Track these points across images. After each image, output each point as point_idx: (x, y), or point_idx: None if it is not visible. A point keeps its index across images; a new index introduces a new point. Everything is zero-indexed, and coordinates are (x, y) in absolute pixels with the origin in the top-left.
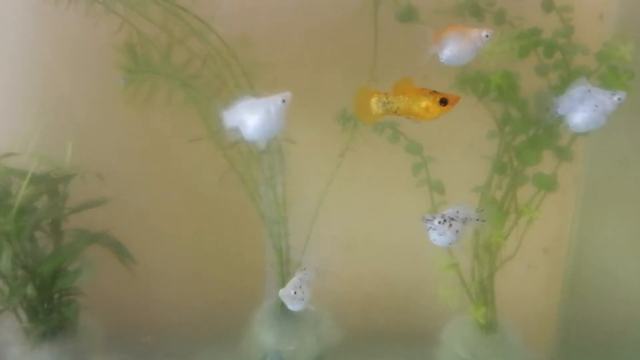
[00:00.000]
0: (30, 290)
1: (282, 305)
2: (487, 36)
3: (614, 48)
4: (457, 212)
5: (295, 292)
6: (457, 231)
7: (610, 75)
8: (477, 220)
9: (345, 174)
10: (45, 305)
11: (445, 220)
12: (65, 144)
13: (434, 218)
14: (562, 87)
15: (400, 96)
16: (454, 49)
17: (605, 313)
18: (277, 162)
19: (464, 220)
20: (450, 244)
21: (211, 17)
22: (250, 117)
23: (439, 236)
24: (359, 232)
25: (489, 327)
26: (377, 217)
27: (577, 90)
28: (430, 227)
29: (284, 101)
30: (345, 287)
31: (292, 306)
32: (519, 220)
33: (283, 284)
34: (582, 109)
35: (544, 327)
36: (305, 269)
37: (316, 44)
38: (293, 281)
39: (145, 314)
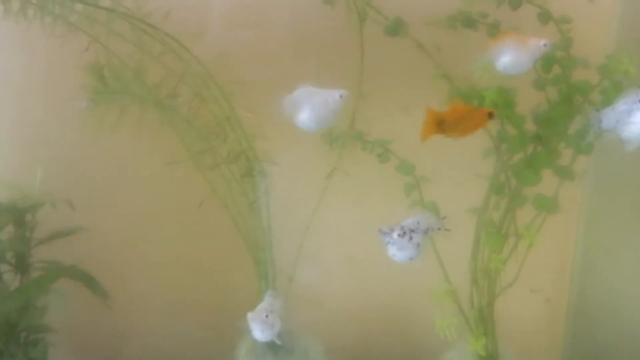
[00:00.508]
0: None
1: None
2: (545, 45)
3: (617, 61)
4: (418, 222)
5: (267, 316)
6: (418, 244)
7: (613, 90)
8: (440, 229)
9: (333, 197)
10: (10, 345)
11: (405, 233)
12: (34, 170)
13: (392, 231)
14: (562, 102)
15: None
16: (511, 57)
17: (615, 341)
18: (261, 185)
19: (426, 231)
20: (411, 259)
21: (185, 34)
22: (307, 105)
23: (398, 251)
24: (349, 258)
25: (491, 359)
26: (368, 242)
27: (624, 102)
28: (389, 242)
29: (341, 96)
30: (338, 314)
31: (262, 333)
32: (519, 243)
33: None
34: (633, 121)
35: (549, 357)
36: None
37: (301, 61)
38: (263, 305)
39: (124, 347)
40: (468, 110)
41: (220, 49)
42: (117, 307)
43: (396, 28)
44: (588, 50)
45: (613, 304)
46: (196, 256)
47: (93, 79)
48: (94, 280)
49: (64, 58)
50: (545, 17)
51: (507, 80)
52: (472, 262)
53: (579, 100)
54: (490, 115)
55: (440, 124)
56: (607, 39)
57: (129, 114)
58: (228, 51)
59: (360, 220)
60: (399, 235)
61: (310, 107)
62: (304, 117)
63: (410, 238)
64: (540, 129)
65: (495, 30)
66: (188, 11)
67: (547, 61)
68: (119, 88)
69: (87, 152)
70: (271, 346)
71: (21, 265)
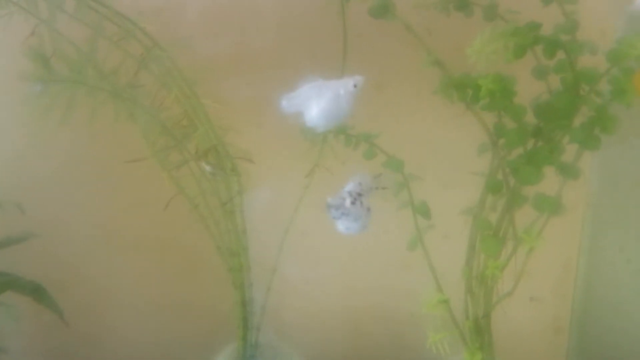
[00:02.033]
0: None
1: (246, 352)
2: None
3: (630, 45)
4: (360, 184)
5: (352, 203)
6: (368, 209)
7: (623, 79)
8: (377, 188)
9: (315, 196)
10: None
11: (355, 199)
12: None
13: (344, 200)
14: (566, 92)
15: None
16: None
17: (622, 356)
18: (234, 184)
19: (368, 192)
20: (365, 228)
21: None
22: (316, 101)
23: (354, 222)
24: (333, 266)
25: None
26: (356, 246)
27: None
28: (343, 213)
29: (355, 86)
30: (326, 321)
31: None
32: (518, 248)
33: (245, 327)
34: None
35: None
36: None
37: (277, 46)
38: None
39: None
40: None
41: (184, 32)
42: (74, 321)
43: (383, 9)
44: (595, 33)
45: (620, 316)
46: (162, 263)
47: (36, 65)
48: (45, 293)
49: (5, 43)
50: None
51: (504, 67)
52: (466, 269)
53: (585, 90)
54: None
55: None
56: (616, 20)
57: (82, 105)
58: (194, 34)
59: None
60: (352, 202)
61: (320, 102)
62: (314, 114)
63: (361, 203)
64: (542, 121)
65: (492, 13)
66: None
67: (550, 45)
68: (67, 76)
69: (36, 149)
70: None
71: None
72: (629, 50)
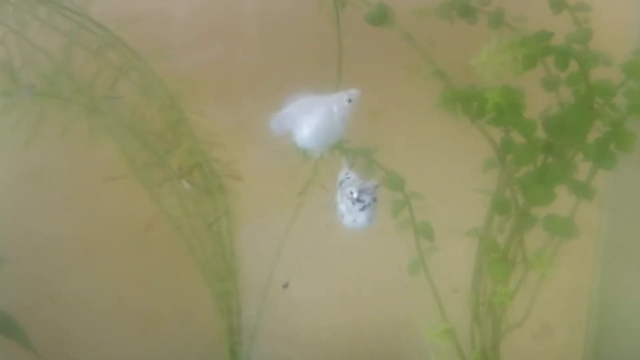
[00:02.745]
0: None
1: None
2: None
3: None
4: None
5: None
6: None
7: None
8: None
9: (309, 215)
10: None
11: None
12: None
13: (374, 187)
14: (578, 106)
15: None
16: None
17: None
18: (221, 203)
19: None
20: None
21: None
22: (307, 119)
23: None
24: (329, 293)
25: None
26: (353, 270)
27: None
28: (369, 204)
29: (350, 100)
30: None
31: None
32: (529, 273)
33: (233, 358)
34: None
35: None
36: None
37: (271, 54)
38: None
39: None
40: None
41: (168, 40)
42: (47, 349)
43: (381, 16)
44: (609, 43)
45: (638, 346)
46: (143, 292)
47: (2, 76)
48: (15, 326)
49: None
50: (558, 4)
51: (511, 78)
52: (473, 295)
53: (599, 104)
54: None
55: None
56: (632, 30)
57: (55, 119)
58: (179, 43)
59: (341, 241)
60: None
61: (311, 120)
62: (305, 134)
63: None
64: (552, 137)
65: (498, 20)
66: None
67: (562, 56)
68: (38, 88)
69: (5, 167)
70: None
71: None
72: None
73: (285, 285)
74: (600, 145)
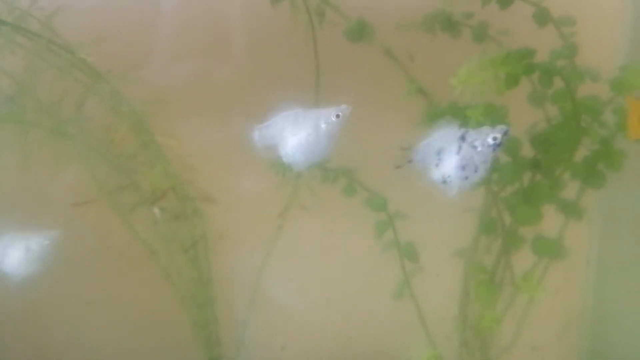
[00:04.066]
0: None
1: None
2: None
3: (634, 74)
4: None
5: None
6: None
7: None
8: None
9: (290, 237)
10: None
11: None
12: None
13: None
14: (565, 123)
15: None
16: None
17: None
18: (197, 227)
19: None
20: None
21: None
22: (293, 133)
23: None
24: (308, 320)
25: None
26: (339, 289)
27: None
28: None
29: (338, 116)
30: None
31: None
32: (517, 295)
33: None
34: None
35: None
36: None
37: (247, 72)
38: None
39: None
40: None
41: (140, 60)
42: None
43: (360, 32)
44: (597, 57)
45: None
46: (117, 322)
47: None
48: None
49: None
50: (542, 17)
51: (496, 96)
52: (459, 319)
53: (586, 121)
54: None
55: None
56: (619, 44)
57: (22, 142)
58: (152, 61)
59: (324, 263)
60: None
61: (296, 135)
62: (290, 148)
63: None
64: (540, 154)
65: (482, 34)
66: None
67: (546, 73)
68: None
69: None
70: None
71: None
72: (634, 79)
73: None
74: (588, 163)
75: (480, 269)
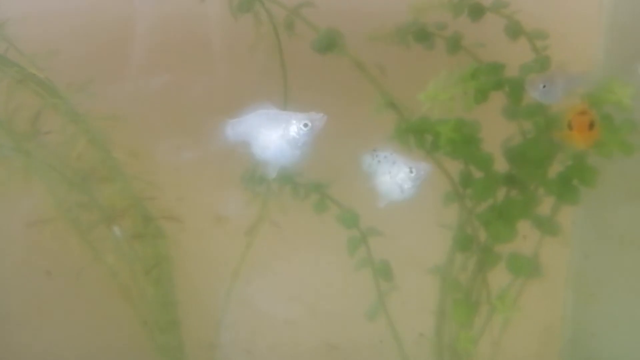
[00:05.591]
0: None
1: None
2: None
3: (607, 90)
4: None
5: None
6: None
7: (603, 125)
8: None
9: (260, 255)
10: None
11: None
12: None
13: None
14: (538, 137)
15: None
16: None
17: None
18: (161, 247)
19: None
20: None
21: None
22: (266, 132)
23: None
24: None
25: None
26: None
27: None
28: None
29: (306, 125)
30: None
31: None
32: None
33: None
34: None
35: None
36: None
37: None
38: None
39: None
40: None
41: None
42: None
43: (329, 43)
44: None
45: None
46: (75, 346)
47: None
48: None
49: None
50: (514, 30)
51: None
52: (436, 339)
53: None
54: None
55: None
56: (593, 57)
57: None
58: (112, 74)
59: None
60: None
61: (268, 135)
62: (260, 147)
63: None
64: (514, 168)
65: (455, 46)
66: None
67: (516, 88)
68: None
69: None
70: None
71: None
72: (607, 95)
73: None
74: (562, 179)
75: (457, 287)
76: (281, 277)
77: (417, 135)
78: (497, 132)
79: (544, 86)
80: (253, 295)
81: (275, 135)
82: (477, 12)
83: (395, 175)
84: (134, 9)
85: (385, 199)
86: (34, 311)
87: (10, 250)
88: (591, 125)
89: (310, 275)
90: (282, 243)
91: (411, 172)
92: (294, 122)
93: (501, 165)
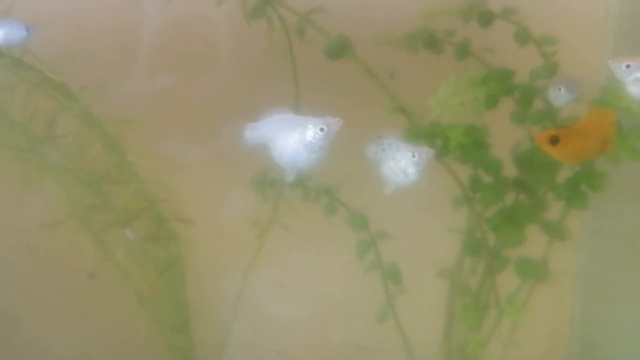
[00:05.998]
0: None
1: None
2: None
3: (615, 96)
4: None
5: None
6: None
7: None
8: None
9: (270, 258)
10: None
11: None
12: None
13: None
14: None
15: None
16: None
17: None
18: (173, 248)
19: None
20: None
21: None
22: (284, 136)
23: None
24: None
25: None
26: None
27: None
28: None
29: (322, 130)
30: None
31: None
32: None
33: None
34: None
35: None
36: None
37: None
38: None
39: None
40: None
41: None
42: None
43: (340, 49)
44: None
45: None
46: (88, 346)
47: None
48: None
49: None
50: (523, 37)
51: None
52: (444, 342)
53: None
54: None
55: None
56: (600, 63)
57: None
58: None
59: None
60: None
61: (285, 140)
62: (279, 151)
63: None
64: (523, 173)
65: (465, 52)
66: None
67: (525, 93)
68: None
69: None
70: None
71: None
72: (615, 101)
73: None
74: (571, 184)
75: (466, 290)
76: (313, 279)
77: (427, 139)
78: (506, 137)
79: (560, 89)
80: (264, 297)
81: (292, 139)
82: (486, 19)
83: (399, 160)
84: (149, 14)
85: (390, 184)
86: (45, 311)
87: (27, 252)
88: (553, 140)
89: (338, 277)
90: (312, 243)
91: (414, 156)
92: (311, 126)
93: (510, 170)
